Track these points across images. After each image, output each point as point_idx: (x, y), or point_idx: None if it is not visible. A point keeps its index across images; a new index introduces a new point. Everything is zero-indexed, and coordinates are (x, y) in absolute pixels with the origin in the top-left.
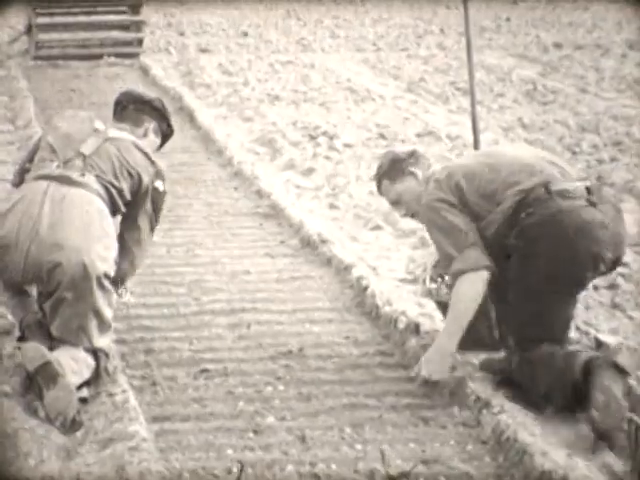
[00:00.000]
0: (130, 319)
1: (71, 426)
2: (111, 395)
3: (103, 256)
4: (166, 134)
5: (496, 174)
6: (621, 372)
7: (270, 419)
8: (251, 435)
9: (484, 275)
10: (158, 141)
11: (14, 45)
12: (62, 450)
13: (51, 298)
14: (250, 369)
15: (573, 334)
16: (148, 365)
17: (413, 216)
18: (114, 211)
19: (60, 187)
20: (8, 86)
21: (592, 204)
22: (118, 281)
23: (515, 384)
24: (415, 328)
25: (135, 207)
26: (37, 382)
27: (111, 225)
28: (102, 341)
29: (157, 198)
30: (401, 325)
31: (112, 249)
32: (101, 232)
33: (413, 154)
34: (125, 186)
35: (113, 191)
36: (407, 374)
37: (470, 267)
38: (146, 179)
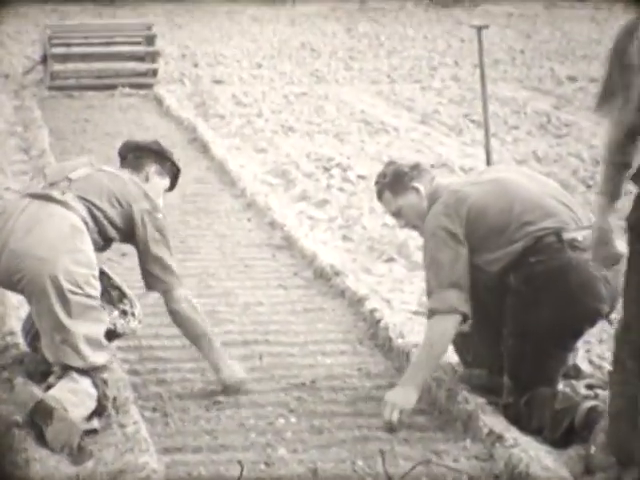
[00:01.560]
0: (142, 350)
1: (79, 455)
2: (122, 426)
3: (71, 271)
4: (173, 173)
5: (508, 209)
6: None
7: (282, 451)
8: (263, 467)
9: (454, 320)
10: (165, 182)
11: (29, 75)
12: None
13: (33, 311)
14: (262, 401)
15: (586, 367)
16: (160, 396)
17: (413, 228)
18: (104, 236)
19: (39, 203)
20: (22, 116)
21: None
22: (127, 309)
23: (509, 415)
24: None
25: (144, 242)
26: (36, 422)
27: (88, 243)
28: (96, 357)
29: (160, 225)
30: (414, 358)
31: (87, 266)
32: (72, 247)
33: (416, 167)
34: (113, 213)
35: (97, 213)
36: (419, 406)
37: (444, 309)
38: (137, 209)
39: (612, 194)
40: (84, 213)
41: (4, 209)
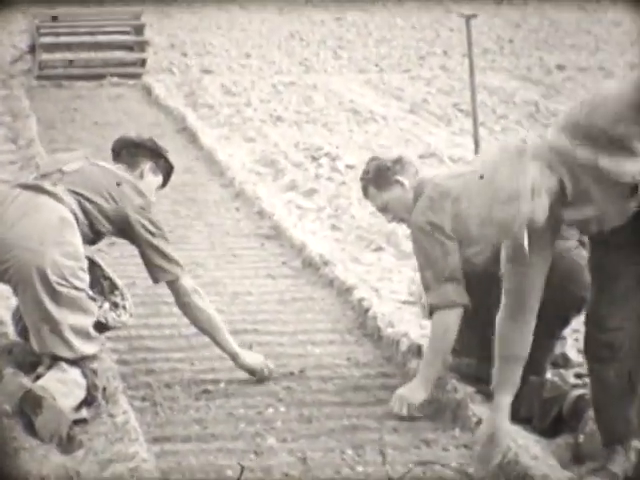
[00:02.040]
0: (131, 340)
1: (69, 444)
2: (112, 416)
3: (59, 262)
4: (167, 170)
5: (491, 200)
6: None
7: (271, 440)
8: (252, 457)
9: (457, 312)
10: (159, 179)
11: (17, 64)
12: (62, 469)
13: (19, 302)
14: (251, 390)
15: (574, 356)
16: (149, 386)
17: (401, 221)
18: (95, 229)
19: (29, 194)
20: (11, 105)
21: (582, 244)
22: (118, 301)
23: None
24: (417, 350)
25: (144, 237)
26: (25, 412)
27: (76, 235)
28: (85, 348)
29: (155, 219)
30: (403, 347)
31: (75, 259)
32: (60, 239)
33: (399, 161)
34: (107, 207)
35: (89, 206)
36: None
37: (445, 304)
38: (130, 205)
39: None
40: (74, 206)
41: None
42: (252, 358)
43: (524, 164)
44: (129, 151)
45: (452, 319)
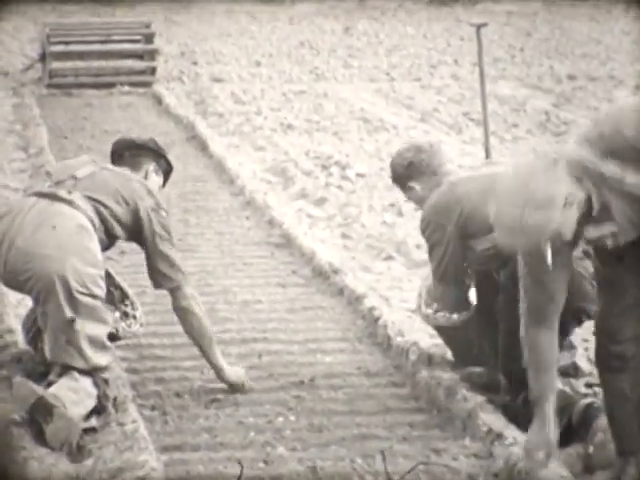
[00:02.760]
0: (141, 348)
1: (78, 453)
2: (121, 424)
3: (80, 270)
4: (167, 171)
5: None
6: None
7: (281, 449)
8: (261, 465)
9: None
10: (160, 179)
11: (28, 73)
12: (71, 479)
13: (39, 311)
14: (261, 399)
15: (585, 366)
16: (159, 395)
17: None
18: (109, 234)
19: (45, 202)
20: (21, 114)
21: (587, 255)
22: (129, 311)
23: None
24: (427, 359)
25: (151, 239)
26: (35, 419)
27: (95, 242)
28: (98, 359)
29: (165, 222)
30: (413, 356)
31: (94, 266)
32: (79, 246)
33: (410, 166)
34: (120, 210)
35: (104, 211)
36: (418, 405)
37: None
38: (143, 206)
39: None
40: (91, 212)
41: (10, 209)
42: (235, 374)
43: (559, 173)
44: (132, 152)
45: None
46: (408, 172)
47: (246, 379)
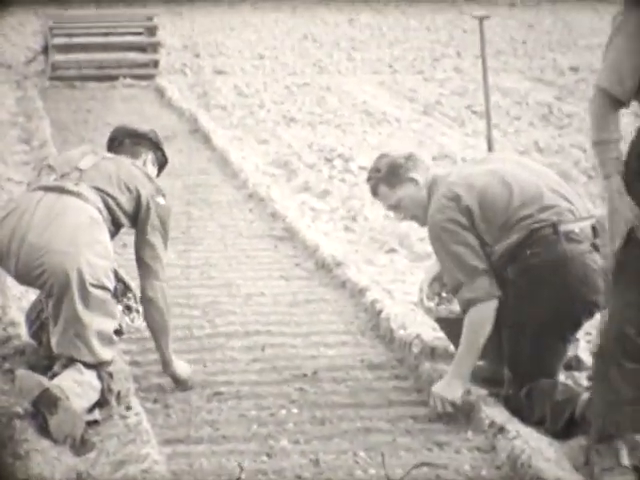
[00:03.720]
0: (144, 341)
1: (82, 446)
2: (124, 417)
3: (93, 263)
4: (162, 163)
5: (506, 204)
6: None
7: (284, 442)
8: (264, 458)
9: (494, 305)
10: (155, 172)
11: (31, 65)
12: (74, 472)
13: (50, 304)
14: (264, 392)
15: (587, 359)
16: (161, 388)
17: (413, 218)
18: (115, 223)
19: (53, 196)
20: (24, 107)
21: (596, 248)
22: (132, 304)
23: (510, 406)
24: (430, 352)
25: (142, 225)
26: (39, 410)
27: (105, 234)
28: (105, 353)
29: (162, 213)
30: (416, 349)
31: (106, 258)
32: (91, 239)
33: (411, 158)
34: (124, 199)
35: (110, 202)
36: (421, 398)
37: (480, 298)
38: (144, 193)
39: (615, 172)
40: (99, 203)
41: (17, 204)
42: (182, 368)
43: None
44: (132, 140)
45: (489, 312)
46: (410, 163)
47: (191, 376)
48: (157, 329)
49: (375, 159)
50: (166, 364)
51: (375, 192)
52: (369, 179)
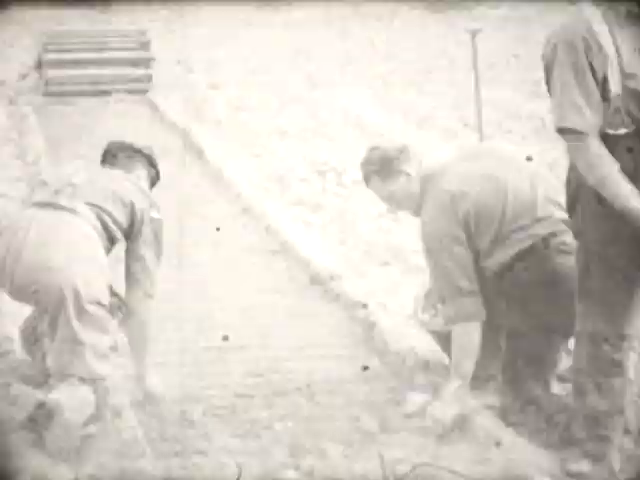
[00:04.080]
0: None
1: (77, 459)
2: (119, 431)
3: (88, 280)
4: (154, 181)
5: (501, 214)
6: None
7: (279, 456)
8: (260, 472)
9: (475, 326)
10: (147, 187)
11: (24, 81)
12: None
13: (45, 321)
14: (259, 405)
15: None
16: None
17: (405, 210)
18: (110, 238)
19: (47, 212)
20: (18, 122)
21: None
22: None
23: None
24: (424, 365)
25: (135, 239)
26: (35, 425)
27: (100, 249)
28: (100, 368)
29: (156, 227)
30: (410, 362)
31: (101, 274)
32: (86, 255)
33: (403, 151)
34: (118, 213)
35: (105, 217)
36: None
37: (461, 318)
38: (139, 206)
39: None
40: (93, 219)
41: (10, 222)
42: (155, 384)
43: None
44: (127, 154)
45: (472, 333)
46: (402, 156)
47: (164, 393)
48: (134, 342)
49: (368, 151)
50: (139, 378)
51: (367, 182)
52: (362, 168)
